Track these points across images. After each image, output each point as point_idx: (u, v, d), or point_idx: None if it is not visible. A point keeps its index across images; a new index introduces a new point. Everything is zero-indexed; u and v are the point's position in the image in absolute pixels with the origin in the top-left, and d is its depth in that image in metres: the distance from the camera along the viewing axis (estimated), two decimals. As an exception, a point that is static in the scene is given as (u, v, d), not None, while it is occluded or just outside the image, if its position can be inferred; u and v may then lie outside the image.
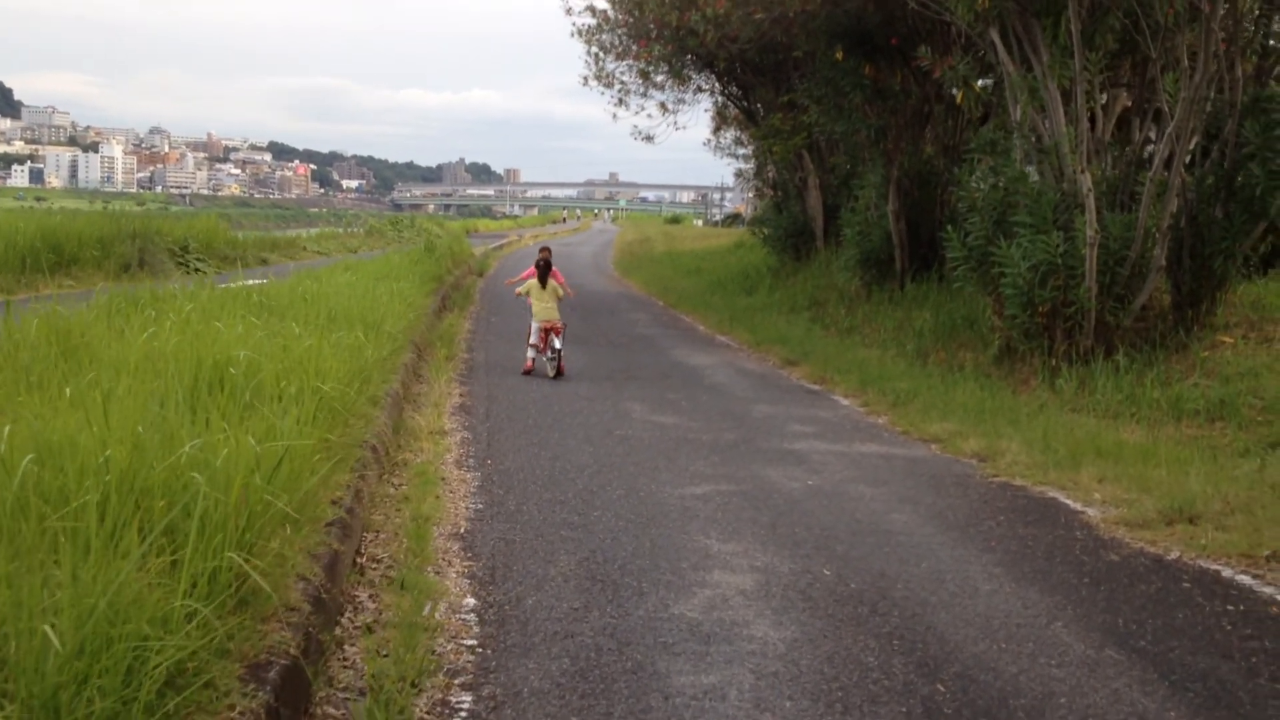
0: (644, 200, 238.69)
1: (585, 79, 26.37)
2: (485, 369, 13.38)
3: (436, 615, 4.96)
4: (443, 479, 7.61)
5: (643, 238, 57.89)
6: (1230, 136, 11.53)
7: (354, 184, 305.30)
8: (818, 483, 8.08)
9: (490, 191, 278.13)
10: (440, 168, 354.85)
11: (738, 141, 38.91)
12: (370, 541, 6.04)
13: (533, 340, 13.08)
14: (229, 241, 25.65)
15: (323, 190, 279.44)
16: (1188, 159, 11.87)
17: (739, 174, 44.81)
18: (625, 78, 26.47)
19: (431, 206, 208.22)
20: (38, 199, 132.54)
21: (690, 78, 27.03)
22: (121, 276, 17.44)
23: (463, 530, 6.46)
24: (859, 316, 17.94)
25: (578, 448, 8.99)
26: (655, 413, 10.85)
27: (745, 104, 28.43)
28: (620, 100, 26.95)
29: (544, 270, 13.30)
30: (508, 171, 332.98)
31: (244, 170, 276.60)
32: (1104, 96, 12.95)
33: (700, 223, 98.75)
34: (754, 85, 26.86)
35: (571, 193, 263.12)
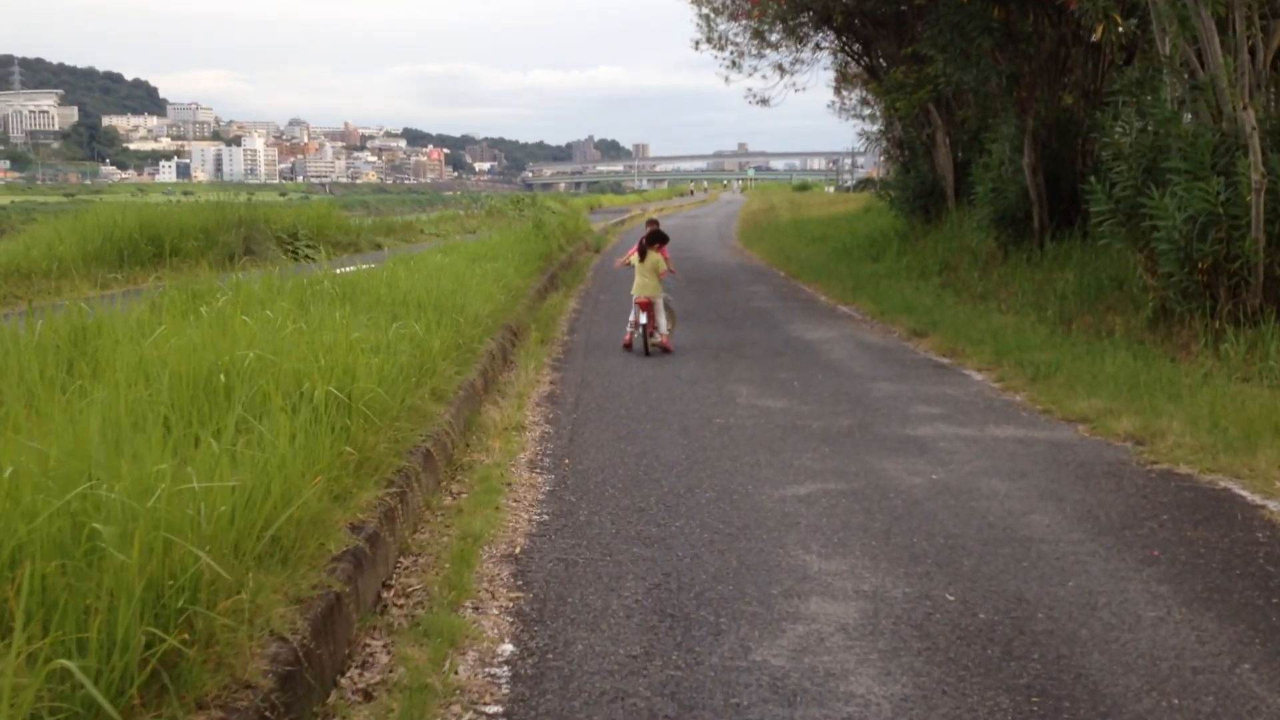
0: (773, 169, 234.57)
1: (696, 43, 25.29)
2: (584, 351, 12.51)
3: (458, 672, 4.06)
4: (508, 484, 6.73)
5: (768, 206, 56.40)
6: None
7: (486, 166, 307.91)
8: (943, 477, 6.98)
9: (620, 167, 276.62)
10: (570, 146, 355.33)
11: (863, 102, 37.11)
12: (406, 569, 5.18)
13: (632, 316, 12.45)
14: (342, 227, 25.14)
15: (456, 174, 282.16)
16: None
17: (861, 134, 42.94)
18: (739, 39, 25.25)
19: (562, 185, 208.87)
20: (185, 193, 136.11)
21: (807, 35, 25.66)
22: (226, 266, 17.05)
23: (518, 550, 5.55)
24: (994, 280, 16.53)
25: (670, 441, 8.03)
26: (763, 396, 9.82)
27: (866, 60, 26.85)
28: (734, 63, 25.72)
29: (648, 241, 12.56)
30: (636, 146, 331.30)
31: (380, 157, 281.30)
32: (1260, 28, 11.42)
33: (831, 189, 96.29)
34: (874, 39, 25.28)
35: (701, 164, 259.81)
